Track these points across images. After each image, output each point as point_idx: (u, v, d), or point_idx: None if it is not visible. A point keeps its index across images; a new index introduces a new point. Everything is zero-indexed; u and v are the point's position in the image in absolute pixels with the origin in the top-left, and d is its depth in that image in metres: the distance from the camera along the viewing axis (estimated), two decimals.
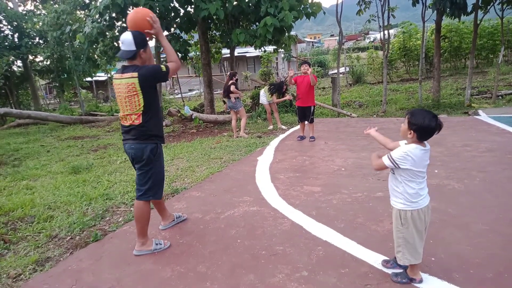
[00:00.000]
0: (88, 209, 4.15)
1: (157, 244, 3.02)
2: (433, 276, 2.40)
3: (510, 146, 5.54)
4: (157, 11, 8.94)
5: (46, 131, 11.31)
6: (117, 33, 10.35)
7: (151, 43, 11.00)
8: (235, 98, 7.89)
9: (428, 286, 2.31)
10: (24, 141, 9.55)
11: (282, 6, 8.24)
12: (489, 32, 16.71)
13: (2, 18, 15.57)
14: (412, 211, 2.23)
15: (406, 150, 2.16)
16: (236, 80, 8.11)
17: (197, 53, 15.14)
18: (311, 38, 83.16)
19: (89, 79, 19.92)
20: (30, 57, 17.19)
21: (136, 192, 2.97)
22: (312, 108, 7.04)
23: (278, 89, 8.64)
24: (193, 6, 9.21)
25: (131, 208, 4.01)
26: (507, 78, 14.40)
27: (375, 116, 10.31)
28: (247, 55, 25.73)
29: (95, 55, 14.37)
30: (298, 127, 7.93)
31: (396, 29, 22.62)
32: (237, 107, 8.03)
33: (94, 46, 11.33)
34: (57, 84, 18.34)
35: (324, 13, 9.60)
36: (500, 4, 9.89)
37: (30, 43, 16.04)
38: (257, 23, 9.48)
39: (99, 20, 9.55)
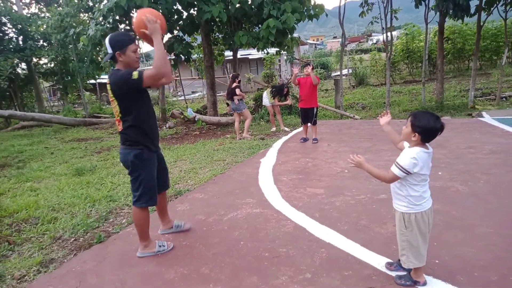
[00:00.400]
0: (91, 211, 4.16)
1: (160, 246, 3.02)
2: (437, 279, 2.39)
3: None
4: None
5: (50, 133, 11.36)
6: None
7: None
8: (238, 99, 7.91)
9: None
10: (28, 143, 9.60)
11: (284, 8, 8.25)
12: (493, 33, 16.65)
13: (6, 21, 15.68)
14: (416, 214, 2.22)
15: (413, 156, 2.13)
16: (239, 81, 8.13)
17: (200, 55, 15.18)
18: (314, 40, 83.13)
19: (92, 81, 20.02)
20: (34, 60, 17.28)
21: (132, 198, 2.96)
22: (315, 109, 7.04)
23: (279, 92, 8.64)
24: (196, 8, 9.24)
25: None
26: (511, 79, 14.33)
27: (378, 118, 10.27)
28: (250, 57, 25.77)
29: (99, 58, 14.45)
30: (301, 129, 7.93)
31: (399, 31, 22.58)
32: (240, 108, 8.05)
33: (98, 49, 11.39)
34: (61, 86, 18.42)
35: (327, 15, 9.59)
36: (504, 6, 9.84)
37: (34, 45, 16.13)
38: (259, 25, 9.50)
39: (102, 23, 9.59)
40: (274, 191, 4.37)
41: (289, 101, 9.16)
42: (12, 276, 2.84)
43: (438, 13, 10.01)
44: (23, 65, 17.29)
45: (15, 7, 17.81)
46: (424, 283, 2.33)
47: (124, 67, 2.71)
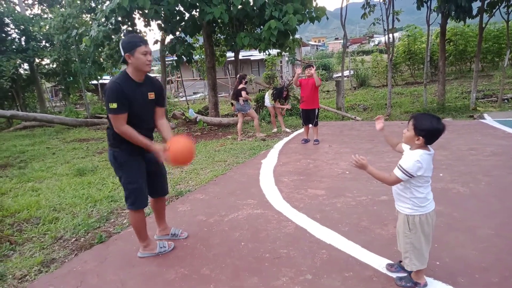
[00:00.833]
0: (93, 211, 4.17)
1: (161, 247, 3.02)
2: (438, 280, 2.39)
3: None
4: (162, 15, 9.00)
5: (52, 134, 11.39)
6: (122, 37, 10.43)
7: (156, 47, 11.08)
8: (243, 100, 7.94)
9: None
10: (30, 143, 9.62)
11: (286, 10, 8.26)
12: (495, 35, 16.62)
13: (9, 21, 15.74)
14: (420, 216, 2.21)
15: (416, 158, 2.12)
16: (246, 82, 8.18)
17: (202, 56, 15.21)
18: (315, 41, 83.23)
19: (94, 82, 20.06)
20: (37, 60, 17.34)
21: None
22: (317, 111, 7.04)
23: (278, 95, 8.65)
24: (198, 10, 9.26)
25: None
26: None
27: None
28: (252, 58, 25.79)
29: (101, 58, 14.49)
30: (302, 130, 7.93)
31: (401, 32, 22.58)
32: (245, 109, 8.10)
33: (100, 50, 11.43)
34: (63, 87, 18.47)
35: (327, 18, 9.61)
36: (506, 7, 9.84)
37: (36, 46, 16.19)
38: (261, 27, 9.51)
39: (105, 24, 9.63)
40: (275, 192, 4.37)
41: (287, 105, 9.16)
42: (13, 275, 2.85)
43: (440, 14, 10.02)
44: (26, 66, 17.35)
45: (18, 8, 17.89)
46: (425, 285, 2.32)
47: (133, 70, 2.68)
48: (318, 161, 5.73)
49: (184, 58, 10.41)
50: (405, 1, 12.89)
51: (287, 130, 8.79)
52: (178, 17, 9.70)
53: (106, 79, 23.78)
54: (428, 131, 2.10)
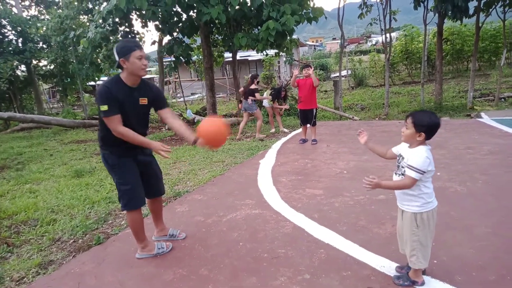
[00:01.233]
0: (90, 212, 4.17)
1: (159, 248, 3.02)
2: (435, 279, 2.40)
3: None
4: (160, 16, 8.99)
5: (49, 135, 11.36)
6: (120, 38, 10.42)
7: (153, 48, 11.07)
8: (252, 100, 7.98)
9: None
10: (27, 145, 9.59)
11: (284, 10, 8.27)
12: (491, 34, 16.68)
13: (6, 23, 15.69)
14: (427, 212, 2.22)
15: (425, 155, 2.14)
16: (257, 82, 8.31)
17: (200, 57, 15.19)
18: (313, 42, 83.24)
19: (92, 83, 20.02)
20: (34, 62, 17.27)
21: None
22: (314, 111, 7.05)
23: (277, 95, 8.67)
24: (195, 10, 9.26)
25: None
26: (509, 80, 14.36)
27: (377, 119, 10.30)
28: (249, 58, 25.77)
29: (98, 60, 14.45)
30: (300, 130, 7.93)
31: (398, 32, 22.66)
32: (252, 109, 8.19)
33: (97, 51, 11.40)
34: (60, 88, 18.41)
35: (326, 18, 9.62)
36: (502, 7, 9.88)
37: (34, 48, 16.13)
38: (259, 27, 9.52)
39: (102, 25, 9.61)
40: (273, 192, 4.38)
41: (285, 106, 9.18)
42: (11, 278, 2.84)
43: (437, 14, 10.03)
44: (23, 67, 17.29)
45: (14, 10, 17.83)
46: (422, 283, 2.33)
47: (128, 75, 2.67)
48: (316, 161, 5.74)
49: (182, 59, 10.40)
50: (402, 1, 12.95)
51: (285, 130, 8.80)
52: (175, 18, 9.69)
53: (104, 80, 23.76)
54: (429, 126, 2.14)
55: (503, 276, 2.39)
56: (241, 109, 8.55)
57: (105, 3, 9.66)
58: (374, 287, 2.38)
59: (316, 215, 3.59)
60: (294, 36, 10.72)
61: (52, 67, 17.45)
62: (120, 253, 3.11)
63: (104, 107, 2.57)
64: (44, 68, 18.28)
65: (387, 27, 10.57)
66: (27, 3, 19.81)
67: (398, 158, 2.33)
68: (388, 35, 10.69)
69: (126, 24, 10.28)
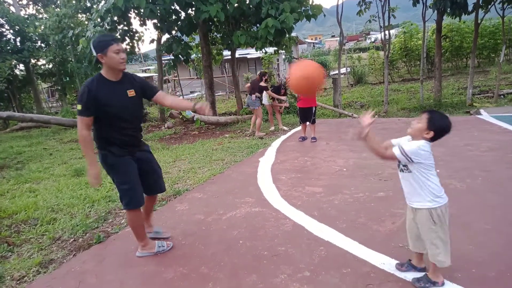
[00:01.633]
0: (90, 211, 4.17)
1: (160, 246, 3.03)
2: None
3: None
4: (158, 14, 8.97)
5: (49, 134, 11.36)
6: (118, 36, 10.40)
7: (152, 46, 11.04)
8: (256, 96, 8.00)
9: None
10: (26, 144, 9.59)
11: (283, 8, 8.26)
12: (490, 31, 16.65)
13: (4, 22, 15.66)
14: (441, 207, 2.21)
15: (418, 145, 2.15)
16: (266, 80, 8.33)
17: (198, 55, 15.18)
18: (312, 39, 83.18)
19: None
20: (32, 61, 17.26)
21: None
22: (314, 109, 7.05)
23: (276, 93, 8.67)
24: (193, 8, 9.24)
25: None
26: (508, 77, 14.36)
27: (376, 116, 10.29)
28: (248, 56, 25.72)
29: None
30: (299, 128, 7.94)
31: (397, 29, 22.59)
32: (255, 105, 8.19)
33: None
34: (59, 88, 18.39)
35: (324, 15, 9.61)
36: (501, 3, 9.86)
37: (32, 47, 16.11)
38: (258, 25, 9.50)
39: (101, 24, 9.59)
40: (273, 190, 4.38)
41: (285, 104, 9.18)
42: (12, 277, 2.84)
43: (435, 11, 10.01)
44: (21, 67, 17.29)
45: (12, 8, 17.78)
46: (443, 284, 2.27)
47: (108, 69, 2.66)
48: (316, 159, 5.75)
49: (181, 57, 10.38)
50: None
51: (285, 128, 8.80)
52: (174, 16, 9.68)
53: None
54: (441, 127, 2.15)
55: (502, 272, 2.40)
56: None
57: (103, 2, 9.64)
58: (374, 284, 2.38)
59: (316, 212, 3.60)
60: (293, 34, 10.69)
61: (50, 66, 17.42)
62: (121, 252, 3.11)
63: (79, 107, 2.60)
64: (42, 67, 18.26)
65: (386, 24, 10.55)
66: (24, 1, 19.77)
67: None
68: (387, 32, 10.67)
69: (125, 23, 10.25)
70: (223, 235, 3.28)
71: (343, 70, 19.14)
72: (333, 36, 74.99)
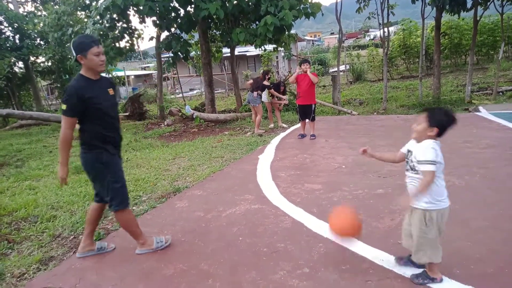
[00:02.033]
0: None
1: (158, 242, 3.04)
2: None
3: (511, 143, 5.55)
4: (157, 11, 8.95)
5: (48, 132, 11.34)
6: (118, 34, 10.38)
7: (152, 43, 11.01)
8: (257, 94, 8.02)
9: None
10: (26, 142, 9.58)
11: (282, 5, 8.25)
12: (489, 28, 16.67)
13: (3, 19, 15.59)
14: (436, 212, 2.18)
15: (432, 146, 2.13)
16: (269, 78, 8.39)
17: (198, 52, 15.14)
18: (311, 37, 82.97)
19: None
20: (32, 58, 17.19)
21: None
22: (313, 106, 7.05)
23: (275, 90, 8.68)
24: (193, 6, 9.22)
25: (133, 207, 4.04)
26: (507, 74, 14.38)
27: (375, 113, 10.31)
28: (248, 54, 25.69)
29: None
30: (299, 125, 7.94)
31: (396, 26, 22.56)
32: (256, 102, 8.21)
33: None
34: (59, 85, 18.34)
35: (322, 14, 9.60)
36: (500, 0, 9.86)
37: (31, 44, 16.04)
38: (257, 22, 9.49)
39: (100, 22, 9.57)
40: (272, 187, 4.39)
41: (285, 101, 9.19)
42: (12, 274, 2.85)
43: (434, 8, 10.02)
44: (20, 64, 17.21)
45: (11, 6, 17.70)
46: (441, 280, 2.29)
47: (87, 70, 2.68)
48: (315, 156, 5.76)
49: (181, 55, 10.37)
50: None
51: (284, 125, 8.80)
52: (173, 14, 9.65)
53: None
54: (443, 121, 2.13)
55: (501, 268, 2.41)
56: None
57: None
58: (372, 280, 2.39)
59: (315, 209, 3.61)
60: (292, 31, 10.69)
61: (50, 63, 17.36)
62: (120, 249, 3.12)
63: (63, 106, 2.62)
64: (42, 64, 18.19)
65: (385, 21, 10.55)
66: None
67: (407, 153, 2.32)
68: (386, 29, 10.67)
69: (124, 20, 10.23)
70: (223, 232, 3.29)
71: (342, 68, 19.11)
72: (332, 34, 74.91)
